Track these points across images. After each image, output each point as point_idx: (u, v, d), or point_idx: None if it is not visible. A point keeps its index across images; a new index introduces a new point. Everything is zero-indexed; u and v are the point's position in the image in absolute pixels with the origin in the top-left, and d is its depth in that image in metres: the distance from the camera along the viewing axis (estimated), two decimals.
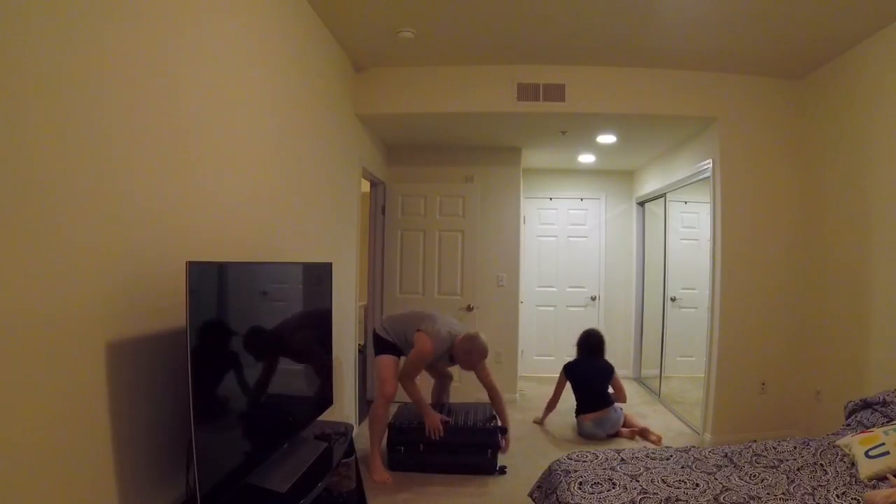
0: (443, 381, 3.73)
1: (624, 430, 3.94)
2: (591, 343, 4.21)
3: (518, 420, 4.23)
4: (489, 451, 3.23)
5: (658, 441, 3.77)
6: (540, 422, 4.20)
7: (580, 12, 2.96)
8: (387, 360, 3.28)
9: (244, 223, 2.23)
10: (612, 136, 4.45)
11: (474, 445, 3.23)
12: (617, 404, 3.97)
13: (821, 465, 2.19)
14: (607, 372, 4.07)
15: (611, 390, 4.04)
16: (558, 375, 4.16)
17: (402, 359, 3.36)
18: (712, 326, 3.80)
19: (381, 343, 3.35)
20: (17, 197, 1.17)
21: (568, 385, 4.14)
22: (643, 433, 3.88)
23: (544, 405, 4.25)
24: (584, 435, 3.90)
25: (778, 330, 3.75)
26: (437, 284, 4.71)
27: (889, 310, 2.91)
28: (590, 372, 4.05)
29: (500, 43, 3.40)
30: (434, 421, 3.18)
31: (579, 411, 3.97)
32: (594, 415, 3.87)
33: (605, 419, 3.87)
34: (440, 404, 3.58)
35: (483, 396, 4.81)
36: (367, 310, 4.91)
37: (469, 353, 3.22)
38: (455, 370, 3.71)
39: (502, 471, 3.24)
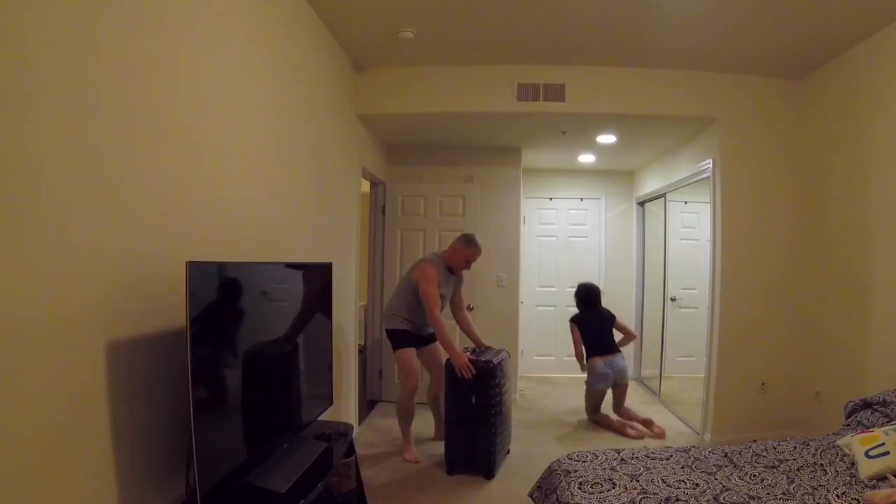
0: (439, 377, 3.68)
1: (628, 421, 4.00)
2: (590, 297, 4.41)
3: (517, 420, 4.22)
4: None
5: (662, 434, 3.78)
6: (583, 370, 4.27)
7: (580, 12, 2.96)
8: (407, 353, 3.43)
9: (244, 223, 2.23)
10: (612, 136, 4.45)
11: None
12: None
13: (821, 465, 2.19)
14: (609, 319, 4.33)
15: (618, 337, 4.31)
16: (570, 330, 4.33)
17: (419, 350, 3.51)
18: (712, 326, 3.80)
19: (395, 334, 3.45)
20: (16, 196, 1.17)
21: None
22: (647, 423, 3.94)
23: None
24: (595, 378, 4.08)
25: (778, 330, 3.74)
26: None
27: (889, 310, 2.91)
28: (595, 320, 4.31)
29: (500, 43, 3.40)
30: (462, 360, 3.18)
31: (590, 355, 4.17)
32: (604, 357, 4.09)
33: (615, 361, 4.09)
34: (437, 402, 3.60)
35: None
36: (367, 310, 4.91)
37: (466, 248, 3.44)
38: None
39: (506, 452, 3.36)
